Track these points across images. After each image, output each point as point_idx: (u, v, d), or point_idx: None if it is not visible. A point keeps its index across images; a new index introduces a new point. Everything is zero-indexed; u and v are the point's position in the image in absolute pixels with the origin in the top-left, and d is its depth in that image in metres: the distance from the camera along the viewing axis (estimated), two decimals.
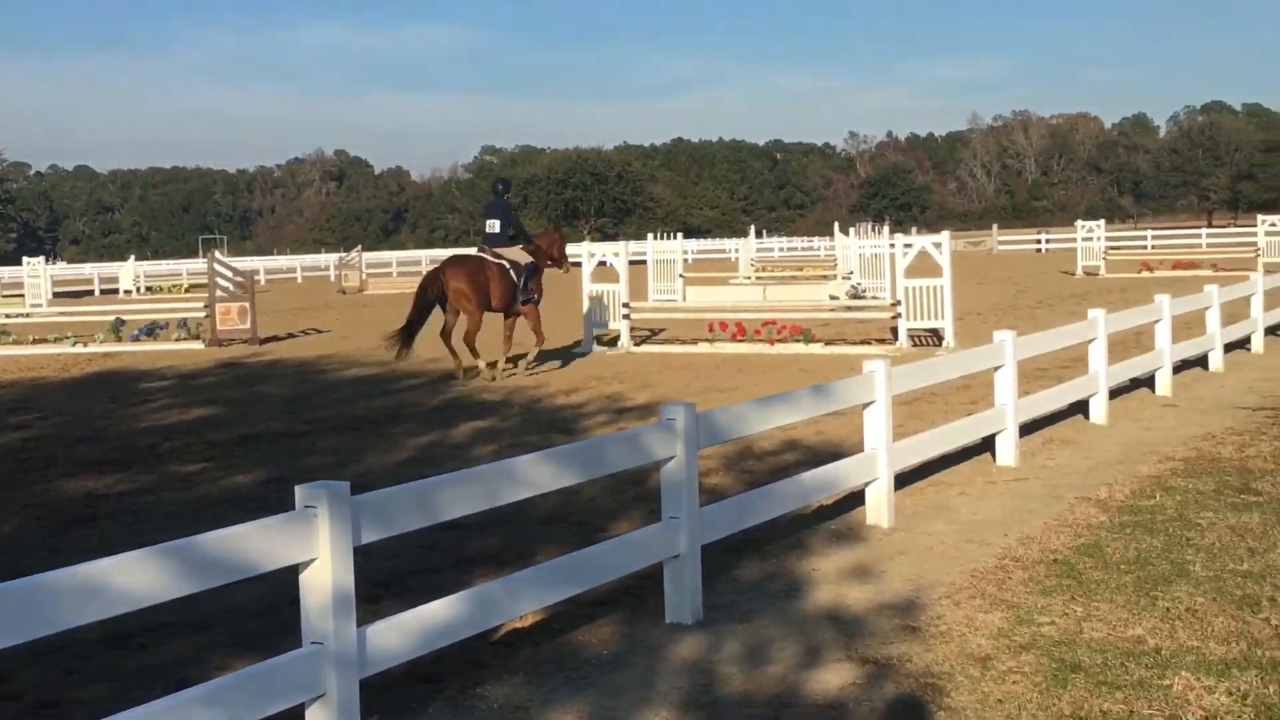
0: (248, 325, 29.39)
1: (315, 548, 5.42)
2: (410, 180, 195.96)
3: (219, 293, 29.75)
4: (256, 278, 35.80)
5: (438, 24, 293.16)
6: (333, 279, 69.45)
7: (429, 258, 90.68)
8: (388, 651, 5.85)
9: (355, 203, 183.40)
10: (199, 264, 75.75)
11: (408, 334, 20.28)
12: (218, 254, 39.44)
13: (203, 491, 12.00)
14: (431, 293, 20.28)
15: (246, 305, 29.51)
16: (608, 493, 10.92)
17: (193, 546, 5.05)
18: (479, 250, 21.14)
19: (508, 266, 20.51)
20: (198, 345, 29.02)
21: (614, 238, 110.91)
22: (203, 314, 30.21)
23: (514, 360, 20.99)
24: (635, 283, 27.00)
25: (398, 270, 78.44)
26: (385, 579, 8.53)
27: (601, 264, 26.06)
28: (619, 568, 7.36)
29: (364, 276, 59.78)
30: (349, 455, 13.62)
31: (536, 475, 6.75)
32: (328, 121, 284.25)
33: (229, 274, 30.45)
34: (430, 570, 8.83)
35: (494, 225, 20.90)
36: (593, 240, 76.26)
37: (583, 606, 7.80)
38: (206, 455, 13.97)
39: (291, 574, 5.53)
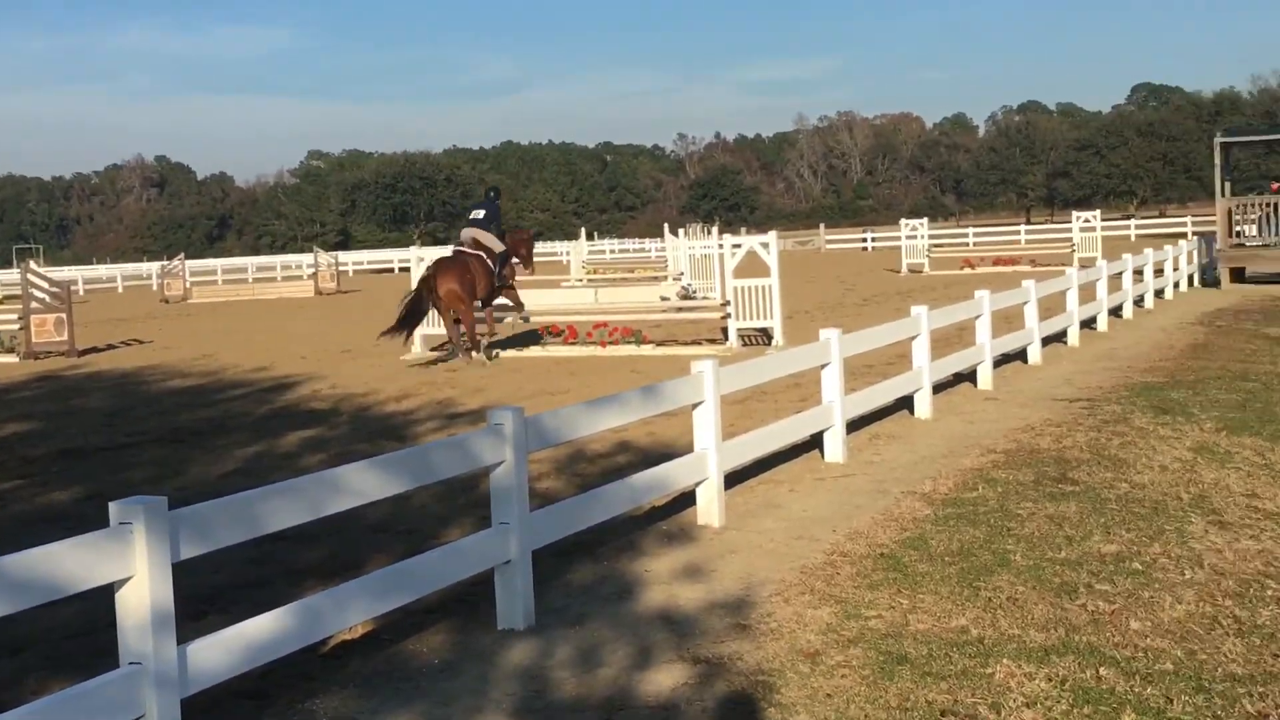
0: (64, 337, 28.59)
1: (131, 565, 5.28)
2: (235, 186, 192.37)
3: (34, 304, 28.90)
4: (74, 288, 34.85)
5: (257, 26, 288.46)
6: (155, 288, 67.91)
7: (256, 265, 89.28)
8: (211, 669, 5.72)
9: (178, 209, 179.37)
10: (13, 274, 73.43)
11: (409, 328, 22.62)
12: (33, 264, 38.30)
13: (18, 510, 11.62)
14: (428, 299, 22.37)
15: (63, 316, 28.72)
16: (439, 499, 10.84)
17: (2, 567, 4.88)
18: (456, 245, 23.51)
19: (484, 256, 22.81)
20: (12, 359, 28.15)
21: (444, 242, 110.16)
22: (17, 326, 29.31)
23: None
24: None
25: (223, 278, 77.00)
26: (210, 594, 8.35)
27: None
28: (448, 575, 7.30)
29: (188, 285, 58.61)
30: (171, 468, 13.31)
31: (362, 484, 6.66)
32: (147, 127, 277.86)
33: (44, 284, 29.60)
34: (258, 584, 8.67)
35: (479, 214, 23.59)
36: (423, 245, 75.73)
37: (414, 615, 7.73)
38: (22, 472, 13.55)
39: (110, 593, 5.38)
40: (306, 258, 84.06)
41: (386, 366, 22.60)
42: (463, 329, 22.56)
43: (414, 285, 23.18)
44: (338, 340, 29.20)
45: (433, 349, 24.78)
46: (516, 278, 24.36)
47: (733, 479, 10.98)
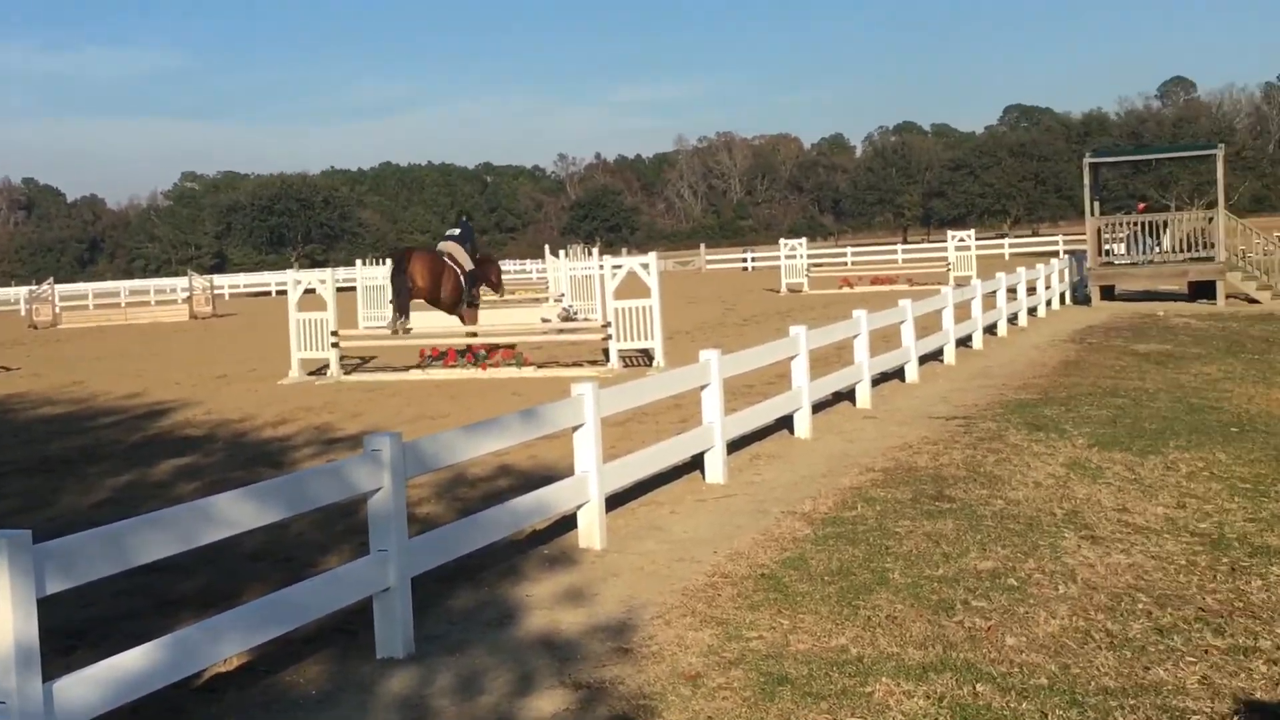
0: None
1: None
2: (106, 209, 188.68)
3: None
4: None
5: (130, 46, 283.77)
6: (23, 314, 66.38)
7: (129, 289, 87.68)
8: (79, 706, 5.57)
9: (47, 233, 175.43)
10: None
11: (402, 310, 24.62)
12: None
13: None
14: (399, 278, 24.49)
15: None
16: (317, 526, 10.71)
17: None
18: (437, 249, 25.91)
19: (457, 271, 24.98)
20: None
21: (323, 264, 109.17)
22: None
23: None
24: (345, 310, 26.64)
25: (94, 303, 75.51)
26: (80, 628, 8.16)
27: (309, 291, 25.53)
28: (326, 604, 7.20)
29: (57, 310, 57.41)
30: (41, 499, 13.00)
31: (236, 514, 6.55)
32: (14, 149, 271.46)
33: None
34: (130, 616, 8.49)
35: (454, 232, 25.98)
36: (300, 267, 74.82)
37: (291, 645, 7.61)
38: None
39: None
40: (181, 281, 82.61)
41: (264, 391, 22.31)
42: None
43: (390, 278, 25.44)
44: (213, 365, 28.76)
45: (309, 373, 24.53)
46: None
47: (614, 501, 10.97)
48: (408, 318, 24.79)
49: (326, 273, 26.15)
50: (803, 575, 8.70)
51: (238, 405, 20.31)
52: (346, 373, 24.37)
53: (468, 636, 7.84)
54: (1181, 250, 33.59)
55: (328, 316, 24.65)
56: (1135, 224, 34.75)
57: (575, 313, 33.15)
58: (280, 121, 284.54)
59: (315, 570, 8.91)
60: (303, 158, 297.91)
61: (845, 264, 63.95)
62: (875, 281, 48.06)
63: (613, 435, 13.82)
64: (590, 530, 9.93)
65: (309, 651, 7.60)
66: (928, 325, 21.24)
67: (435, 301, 25.18)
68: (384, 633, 7.52)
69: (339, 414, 18.67)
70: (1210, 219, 33.78)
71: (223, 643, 6.46)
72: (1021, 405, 15.97)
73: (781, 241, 53.63)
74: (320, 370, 24.47)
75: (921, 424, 15.12)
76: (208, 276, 71.89)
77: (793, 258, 50.59)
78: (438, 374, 23.39)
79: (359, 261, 37.86)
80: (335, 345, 24.39)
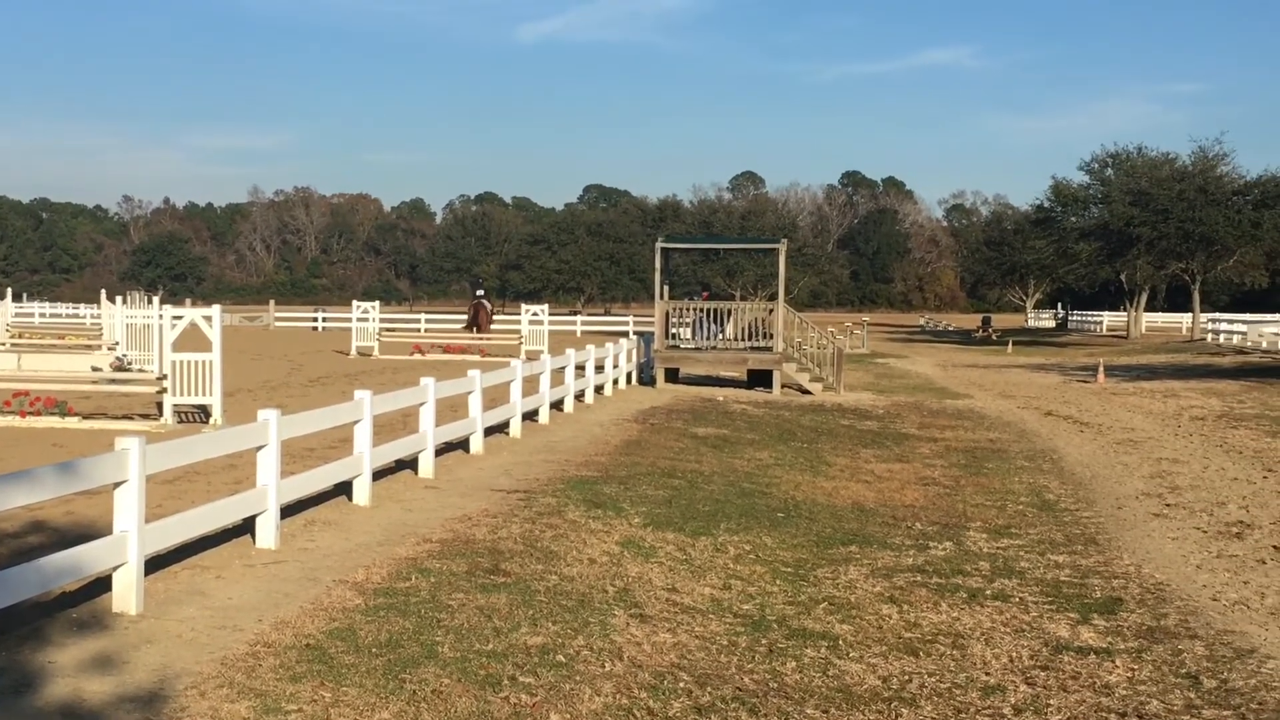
0: None
1: None
2: None
3: None
4: None
5: None
6: None
7: None
8: None
9: None
10: None
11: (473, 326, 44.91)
12: None
13: None
14: (478, 314, 47.76)
15: None
16: None
17: None
18: (478, 300, 50.32)
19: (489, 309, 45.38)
20: None
21: None
22: None
23: None
24: None
25: None
26: None
27: None
28: None
29: None
30: None
31: None
32: None
33: None
34: None
35: (480, 293, 50.99)
36: None
37: None
38: None
39: None
40: None
41: None
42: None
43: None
44: None
45: None
46: None
47: (157, 564, 10.53)
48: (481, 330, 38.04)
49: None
50: (350, 647, 8.57)
51: None
52: None
53: None
54: (743, 339, 35.14)
55: None
56: (701, 310, 36.20)
57: (130, 363, 31.81)
58: None
59: None
60: None
61: (419, 330, 63.96)
62: (448, 350, 48.19)
63: (162, 494, 13.31)
64: (126, 594, 9.49)
65: None
66: (496, 397, 21.46)
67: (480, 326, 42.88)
68: None
69: None
70: (771, 310, 35.52)
71: None
72: (582, 482, 16.32)
73: (355, 303, 53.17)
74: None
75: (483, 496, 15.23)
76: None
77: (365, 320, 50.23)
78: None
79: None
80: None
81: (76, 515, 12.72)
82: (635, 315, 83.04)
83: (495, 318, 57.85)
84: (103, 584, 9.81)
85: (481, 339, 47.68)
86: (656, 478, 17.00)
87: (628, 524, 13.39)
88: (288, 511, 12.82)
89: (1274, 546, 14.49)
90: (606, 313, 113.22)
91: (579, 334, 69.67)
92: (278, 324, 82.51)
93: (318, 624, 9.17)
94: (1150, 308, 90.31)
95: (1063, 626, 10.60)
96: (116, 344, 35.83)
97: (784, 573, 11.67)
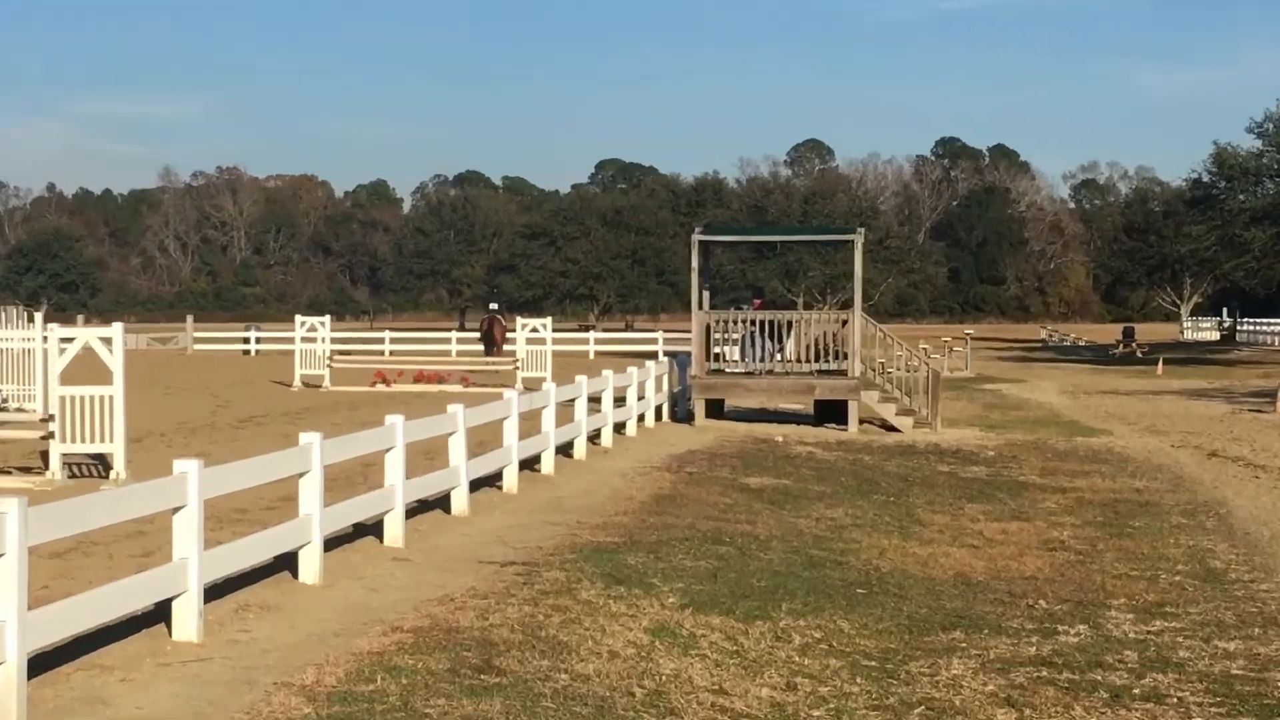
0: None
1: None
2: None
3: None
4: None
5: None
6: None
7: None
8: None
9: None
10: None
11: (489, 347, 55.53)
12: None
13: None
14: (493, 329, 56.36)
15: None
16: None
17: None
18: (492, 314, 58.74)
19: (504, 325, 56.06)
20: None
21: None
22: None
23: None
24: None
25: None
26: None
27: None
28: None
29: None
30: None
31: None
32: None
33: None
34: None
35: (494, 306, 60.96)
36: None
37: None
38: None
39: None
40: None
41: None
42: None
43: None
44: None
45: None
46: None
47: (43, 663, 10.56)
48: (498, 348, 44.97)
49: None
50: None
51: None
52: None
53: None
54: (808, 360, 34.83)
55: None
56: (753, 323, 35.80)
57: (5, 400, 31.94)
58: None
59: None
60: None
61: (382, 354, 64.18)
62: (420, 379, 48.27)
63: (48, 571, 13.34)
64: (5, 705, 9.51)
65: None
66: (486, 440, 21.47)
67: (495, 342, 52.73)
68: None
69: None
70: (844, 322, 35.28)
71: None
72: (599, 550, 16.30)
73: (298, 319, 53.27)
74: None
75: (469, 570, 15.22)
76: None
77: (311, 341, 50.41)
78: None
79: None
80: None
81: None
82: (666, 330, 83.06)
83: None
84: None
85: (492, 364, 48.79)
86: (696, 544, 16.98)
87: (660, 605, 13.37)
88: (214, 592, 12.83)
89: None
90: (628, 327, 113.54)
91: (592, 356, 69.66)
92: (198, 347, 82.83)
93: None
94: None
95: None
96: None
97: (866, 668, 11.64)
